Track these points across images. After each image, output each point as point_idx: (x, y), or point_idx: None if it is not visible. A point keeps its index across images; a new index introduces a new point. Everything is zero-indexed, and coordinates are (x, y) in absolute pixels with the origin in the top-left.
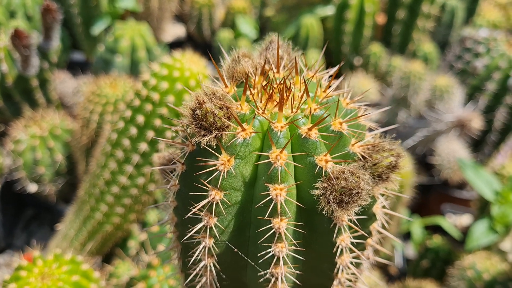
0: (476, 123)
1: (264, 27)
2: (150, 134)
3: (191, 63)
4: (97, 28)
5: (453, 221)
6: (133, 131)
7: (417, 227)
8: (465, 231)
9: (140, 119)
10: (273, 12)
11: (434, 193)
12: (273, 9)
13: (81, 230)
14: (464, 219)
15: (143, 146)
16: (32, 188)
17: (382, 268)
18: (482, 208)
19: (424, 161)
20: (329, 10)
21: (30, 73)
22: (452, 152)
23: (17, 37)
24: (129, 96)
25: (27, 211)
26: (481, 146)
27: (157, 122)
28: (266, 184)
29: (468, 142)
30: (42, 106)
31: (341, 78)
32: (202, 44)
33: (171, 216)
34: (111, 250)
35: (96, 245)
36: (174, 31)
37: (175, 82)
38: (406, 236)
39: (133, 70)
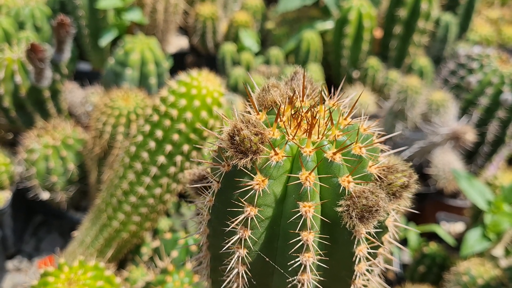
0: (470, 135)
1: (265, 40)
2: (168, 147)
3: (207, 81)
4: (104, 40)
5: (447, 229)
6: (152, 144)
7: (413, 234)
8: (458, 238)
9: (159, 133)
10: (274, 26)
11: (430, 202)
12: (274, 23)
13: (98, 237)
14: (458, 227)
15: (161, 159)
16: (45, 195)
17: (381, 274)
18: (475, 216)
19: (420, 171)
20: (328, 25)
21: (43, 85)
22: (447, 163)
23: (33, 51)
24: (148, 111)
25: (36, 218)
26: (475, 157)
27: (175, 137)
28: (297, 202)
29: (462, 153)
30: (53, 116)
31: (355, 105)
32: (206, 56)
33: (204, 229)
34: (124, 256)
35: (112, 252)
36: (178, 43)
37: (193, 99)
38: (402, 242)
39: (142, 82)
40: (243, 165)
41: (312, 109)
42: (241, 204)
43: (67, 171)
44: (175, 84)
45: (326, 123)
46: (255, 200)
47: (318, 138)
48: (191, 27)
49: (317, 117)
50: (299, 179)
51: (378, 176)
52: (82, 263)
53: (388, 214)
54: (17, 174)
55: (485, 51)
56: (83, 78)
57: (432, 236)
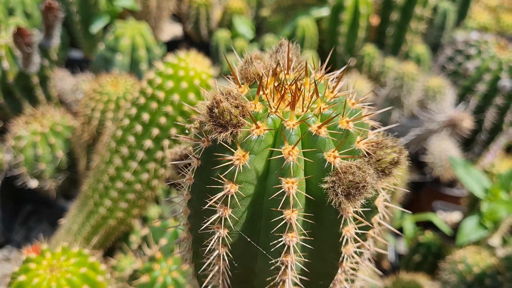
0: (467, 122)
1: (260, 27)
2: (155, 131)
3: (195, 62)
4: (96, 27)
5: (444, 218)
6: (138, 128)
7: (409, 223)
8: (455, 227)
9: (145, 116)
10: (269, 13)
11: (426, 191)
12: (269, 10)
13: (85, 224)
14: (454, 216)
15: (148, 143)
16: (33, 184)
17: (375, 262)
18: (471, 205)
19: (416, 159)
20: (324, 12)
21: (31, 71)
22: (444, 151)
23: (19, 35)
24: (134, 94)
25: (26, 207)
26: (472, 145)
27: (162, 120)
28: (279, 177)
29: (459, 141)
30: (42, 103)
31: (345, 80)
32: (199, 43)
33: (184, 209)
34: (113, 244)
35: (99, 239)
36: (172, 30)
37: (180, 81)
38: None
39: (133, 68)
40: (223, 139)
41: (297, 82)
42: (221, 181)
43: (56, 159)
44: (162, 65)
45: (311, 96)
46: (236, 176)
47: (302, 111)
48: (185, 14)
49: (301, 90)
50: (282, 154)
51: (367, 152)
52: (65, 250)
53: (377, 191)
54: (6, 162)
55: (483, 37)
56: (75, 66)
57: (428, 226)
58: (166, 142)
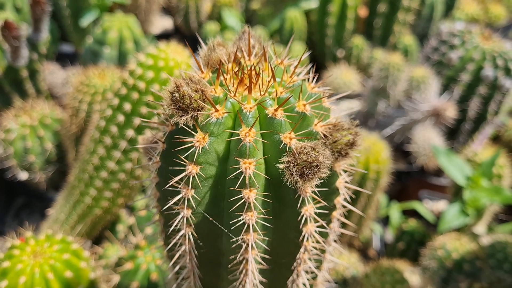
0: (451, 112)
1: (250, 20)
2: (137, 121)
3: (175, 53)
4: (86, 20)
5: (430, 207)
6: (121, 118)
7: (395, 211)
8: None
9: (127, 106)
10: (259, 5)
11: (412, 180)
12: (259, 2)
13: (71, 214)
14: (441, 205)
15: (130, 133)
16: (23, 176)
17: (361, 251)
18: (456, 193)
19: (401, 149)
20: (313, 3)
21: (19, 64)
22: (428, 140)
23: (6, 29)
24: (117, 85)
25: (18, 199)
26: (456, 134)
27: (143, 110)
28: (236, 158)
29: (443, 130)
30: (32, 97)
31: (309, 66)
32: (189, 36)
33: (153, 192)
34: (101, 234)
35: (86, 228)
36: (162, 23)
37: (160, 71)
38: (385, 220)
39: (121, 61)
40: (184, 122)
41: (256, 67)
42: (183, 162)
43: (45, 151)
44: (143, 56)
45: (269, 80)
46: (196, 157)
47: (260, 95)
48: (175, 7)
49: (260, 74)
50: (239, 136)
51: (324, 134)
52: (49, 237)
53: (335, 174)
54: None
55: (468, 27)
56: (66, 60)
57: (416, 215)
58: (148, 132)
